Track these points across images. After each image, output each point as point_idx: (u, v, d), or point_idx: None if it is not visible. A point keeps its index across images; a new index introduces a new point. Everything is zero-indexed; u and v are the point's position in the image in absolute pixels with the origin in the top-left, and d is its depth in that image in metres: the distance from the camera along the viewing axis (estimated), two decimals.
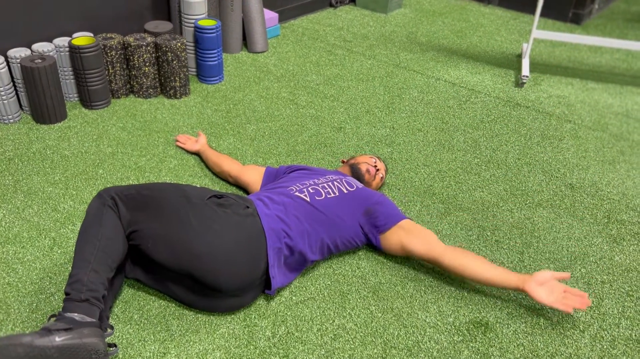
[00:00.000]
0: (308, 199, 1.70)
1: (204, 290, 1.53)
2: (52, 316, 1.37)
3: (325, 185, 1.78)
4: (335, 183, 1.80)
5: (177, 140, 2.35)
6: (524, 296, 1.73)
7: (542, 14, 4.22)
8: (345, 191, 1.78)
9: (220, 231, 1.49)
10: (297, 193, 1.72)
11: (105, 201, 1.49)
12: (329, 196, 1.74)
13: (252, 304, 1.63)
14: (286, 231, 1.61)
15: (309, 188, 1.75)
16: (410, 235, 1.73)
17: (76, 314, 1.33)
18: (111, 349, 1.40)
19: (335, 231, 1.72)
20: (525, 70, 3.15)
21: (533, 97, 3.01)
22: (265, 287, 1.64)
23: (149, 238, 1.48)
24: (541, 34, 3.18)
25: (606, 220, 2.11)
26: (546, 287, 1.59)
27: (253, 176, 2.02)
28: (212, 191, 1.62)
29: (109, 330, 1.42)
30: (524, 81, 3.08)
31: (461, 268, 1.66)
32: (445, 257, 1.68)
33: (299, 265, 1.70)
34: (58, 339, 1.26)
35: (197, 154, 2.30)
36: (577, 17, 4.12)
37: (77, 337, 1.27)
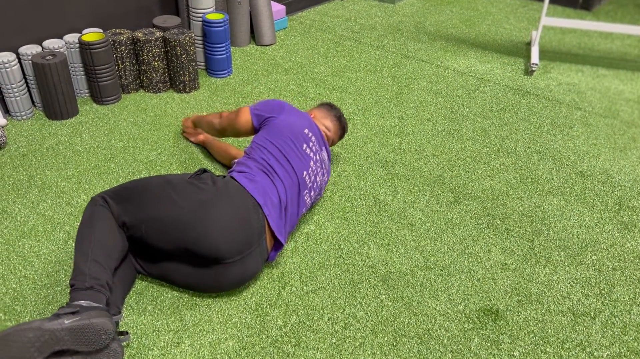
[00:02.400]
0: (246, 153, 1.84)
1: (207, 264, 1.55)
2: (62, 307, 1.40)
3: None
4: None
5: (183, 131, 2.38)
6: (534, 283, 1.74)
7: (552, 1, 4.18)
8: (251, 144, 1.87)
9: (205, 200, 1.54)
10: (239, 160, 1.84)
11: (97, 201, 1.57)
12: (249, 149, 1.84)
13: (264, 293, 1.65)
14: (250, 177, 1.67)
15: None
16: None
17: (82, 301, 1.37)
18: (123, 336, 1.43)
19: (271, 150, 1.79)
20: (535, 57, 3.13)
21: (543, 84, 2.99)
22: (274, 250, 1.70)
23: (141, 223, 1.53)
24: (551, 20, 3.16)
25: (617, 207, 2.10)
26: None
27: None
28: (192, 173, 1.67)
29: (117, 314, 1.45)
30: (534, 69, 3.06)
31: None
32: None
33: (285, 199, 1.72)
34: (67, 321, 1.29)
35: (201, 145, 2.32)
36: (587, 3, 4.07)
37: (85, 318, 1.31)
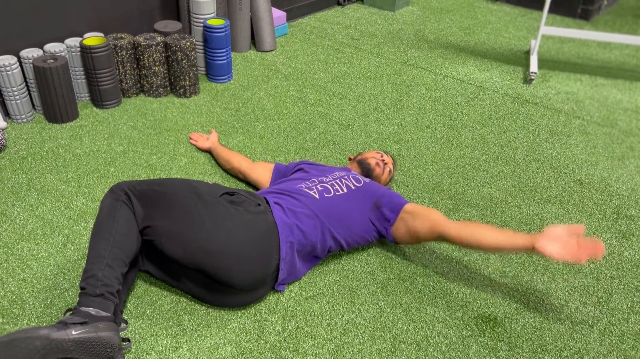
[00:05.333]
0: (317, 196, 1.72)
1: (216, 286, 1.55)
2: (68, 310, 1.39)
3: (333, 182, 1.80)
4: (343, 180, 1.82)
5: (190, 138, 2.39)
6: (532, 291, 1.74)
7: (551, 10, 4.21)
8: (353, 187, 1.79)
9: (233, 230, 1.50)
10: (306, 190, 1.74)
11: (119, 196, 1.51)
12: (337, 193, 1.75)
13: (263, 299, 1.65)
14: (298, 225, 1.63)
15: (318, 186, 1.77)
16: (414, 217, 1.71)
17: (91, 308, 1.35)
18: (125, 343, 1.43)
19: (345, 228, 1.73)
20: (534, 66, 3.15)
21: (541, 93, 3.00)
22: (276, 282, 1.66)
23: (163, 234, 1.50)
24: (550, 30, 3.18)
25: (615, 216, 2.11)
26: (559, 242, 1.50)
27: (262, 173, 2.04)
28: (224, 188, 1.63)
29: (123, 325, 1.44)
30: (532, 77, 3.07)
31: (470, 238, 1.60)
32: (451, 230, 1.62)
33: (309, 261, 1.72)
34: (74, 332, 1.28)
35: (208, 152, 2.32)
36: (586, 13, 4.10)
37: (92, 331, 1.30)
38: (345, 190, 1.77)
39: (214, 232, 1.48)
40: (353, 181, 1.82)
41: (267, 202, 1.67)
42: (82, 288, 1.39)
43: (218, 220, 1.50)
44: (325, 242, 1.70)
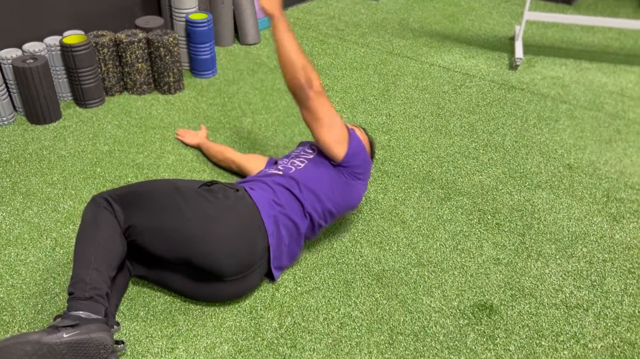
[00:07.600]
0: (281, 173, 1.71)
1: (207, 278, 1.53)
2: (58, 316, 1.37)
3: (292, 161, 1.79)
4: (301, 156, 1.80)
5: (177, 134, 2.36)
6: (526, 277, 1.75)
7: None
8: (310, 157, 1.77)
9: (214, 215, 1.50)
10: (271, 171, 1.76)
11: (100, 203, 1.51)
12: (298, 168, 1.73)
13: (258, 296, 1.64)
14: (275, 200, 1.62)
15: (279, 167, 1.77)
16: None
17: (82, 312, 1.33)
18: (119, 346, 1.41)
19: (318, 197, 1.70)
20: (519, 52, 3.15)
21: (527, 79, 3.01)
22: (267, 276, 1.66)
23: (145, 231, 1.49)
24: (533, 15, 3.18)
25: (605, 199, 2.12)
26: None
27: (256, 164, 2.01)
28: (202, 181, 1.63)
29: (115, 327, 1.42)
30: (518, 63, 3.08)
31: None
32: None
33: (298, 237, 1.69)
34: (66, 335, 1.26)
35: (197, 148, 2.29)
36: None
37: (84, 332, 1.28)
38: (303, 164, 1.75)
39: (195, 220, 1.47)
40: (306, 154, 1.80)
41: (244, 188, 1.66)
42: (70, 293, 1.37)
43: (197, 208, 1.50)
44: (304, 215, 1.67)
